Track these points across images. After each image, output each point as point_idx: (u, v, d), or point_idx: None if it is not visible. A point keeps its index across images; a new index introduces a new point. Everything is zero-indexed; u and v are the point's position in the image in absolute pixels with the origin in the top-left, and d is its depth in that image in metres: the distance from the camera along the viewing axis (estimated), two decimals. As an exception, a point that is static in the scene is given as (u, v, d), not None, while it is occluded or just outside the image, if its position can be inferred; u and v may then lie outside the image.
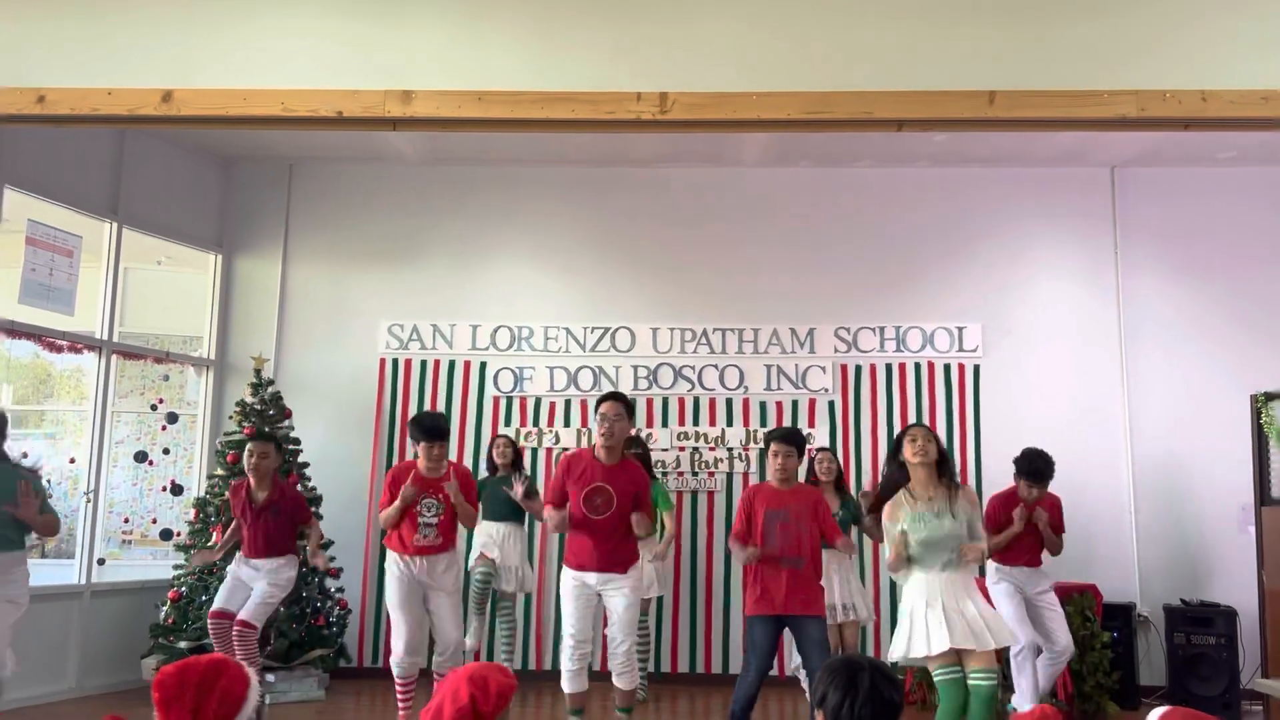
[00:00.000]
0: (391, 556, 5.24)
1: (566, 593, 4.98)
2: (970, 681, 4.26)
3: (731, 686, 5.24)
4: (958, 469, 5.70)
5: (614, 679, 4.94)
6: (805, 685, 5.34)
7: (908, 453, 4.59)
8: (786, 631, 5.19)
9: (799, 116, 4.35)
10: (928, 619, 4.29)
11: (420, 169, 7.64)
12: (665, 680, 6.89)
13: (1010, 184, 7.45)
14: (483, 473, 6.68)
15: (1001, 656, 4.68)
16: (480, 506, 6.12)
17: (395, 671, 5.25)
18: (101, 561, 6.62)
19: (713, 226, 7.50)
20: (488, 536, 6.35)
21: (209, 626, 5.67)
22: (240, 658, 5.53)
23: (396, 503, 5.11)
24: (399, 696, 5.26)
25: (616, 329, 7.40)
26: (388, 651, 7.04)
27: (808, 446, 6.66)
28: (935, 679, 4.31)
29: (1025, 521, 5.42)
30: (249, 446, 5.78)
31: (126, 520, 7.21)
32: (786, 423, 7.23)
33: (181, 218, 7.36)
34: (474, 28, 4.43)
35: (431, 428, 5.21)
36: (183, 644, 6.14)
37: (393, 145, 7.18)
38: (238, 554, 5.79)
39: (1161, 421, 7.07)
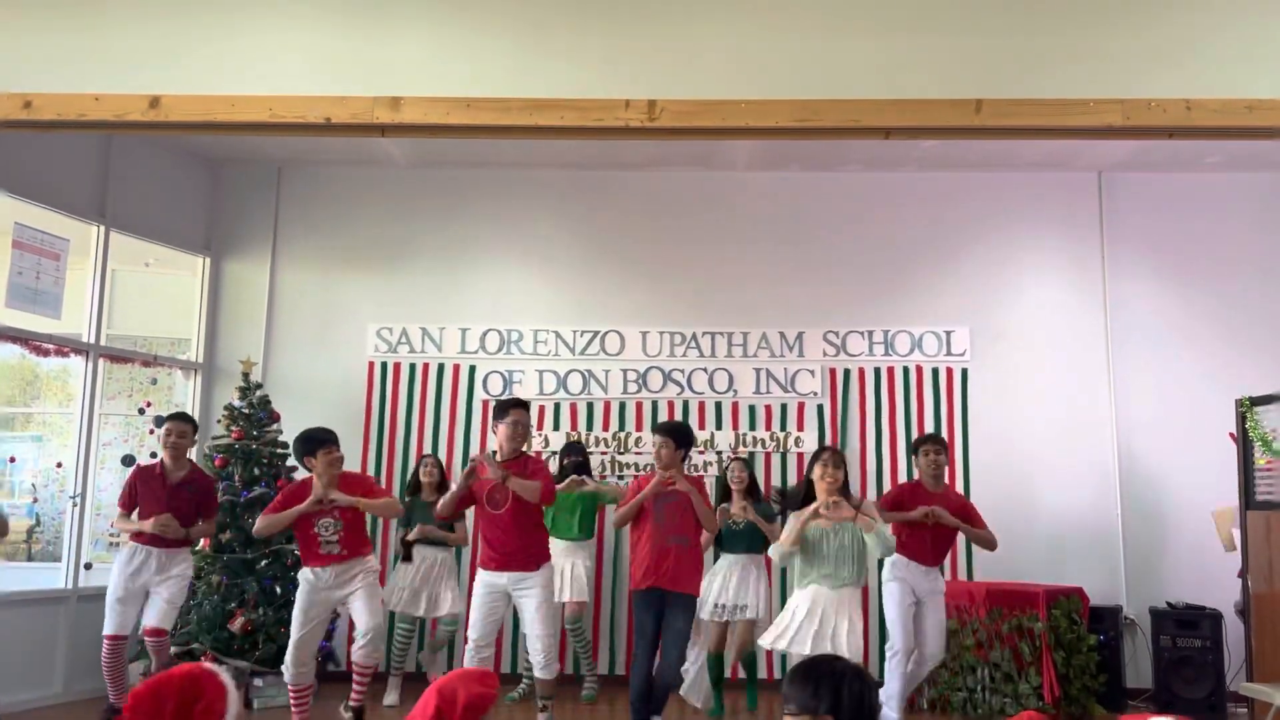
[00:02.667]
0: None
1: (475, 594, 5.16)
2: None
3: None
4: (945, 474, 5.79)
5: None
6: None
7: (816, 474, 4.92)
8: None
9: (787, 124, 4.36)
10: (803, 622, 4.69)
11: (409, 172, 7.63)
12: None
13: (998, 188, 7.48)
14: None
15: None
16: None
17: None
18: (89, 566, 6.59)
19: (702, 230, 7.51)
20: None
21: (104, 651, 5.55)
22: (157, 668, 5.51)
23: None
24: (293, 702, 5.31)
25: (606, 332, 7.41)
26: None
27: (791, 435, 7.16)
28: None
29: (928, 517, 5.47)
30: (166, 425, 5.72)
31: (113, 524, 7.17)
32: (776, 427, 7.26)
33: (169, 220, 7.34)
34: (462, 34, 4.43)
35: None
36: (170, 649, 6.11)
37: (382, 149, 7.18)
38: (118, 569, 5.59)
39: (1148, 425, 7.11)
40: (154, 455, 7.16)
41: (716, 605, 5.94)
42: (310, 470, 5.30)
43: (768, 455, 7.23)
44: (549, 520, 6.35)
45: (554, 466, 6.67)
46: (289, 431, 6.77)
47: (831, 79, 4.40)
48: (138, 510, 5.70)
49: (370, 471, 7.20)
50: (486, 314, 7.46)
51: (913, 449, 6.01)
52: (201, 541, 5.92)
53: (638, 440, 7.19)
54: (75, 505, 6.52)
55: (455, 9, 4.46)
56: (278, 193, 7.67)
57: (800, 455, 7.18)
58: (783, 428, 7.28)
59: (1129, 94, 4.26)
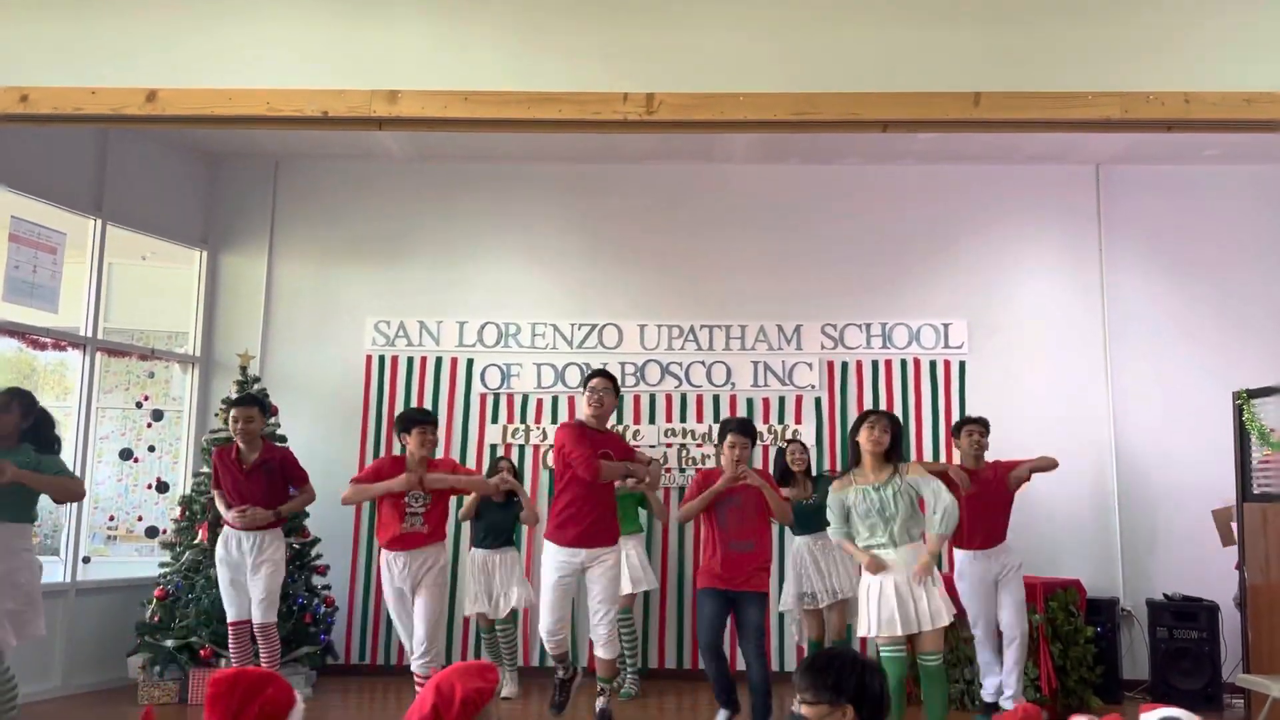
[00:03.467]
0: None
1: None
2: (920, 662, 4.69)
3: (693, 679, 5.32)
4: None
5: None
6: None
7: (862, 437, 4.89)
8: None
9: (786, 117, 4.35)
10: (883, 605, 4.64)
11: (407, 166, 7.62)
12: (653, 676, 6.91)
13: (996, 181, 7.48)
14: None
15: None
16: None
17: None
18: (87, 559, 6.59)
19: (700, 223, 7.51)
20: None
21: (231, 641, 5.67)
22: (266, 657, 5.58)
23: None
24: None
25: (604, 325, 7.41)
26: (375, 648, 7.10)
27: (788, 427, 7.26)
28: (881, 654, 4.69)
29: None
30: (234, 412, 5.69)
31: (112, 518, 7.18)
32: (773, 419, 7.27)
33: (166, 214, 7.33)
34: (460, 28, 4.41)
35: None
36: (169, 642, 6.13)
37: (379, 142, 7.16)
38: (220, 556, 5.65)
39: (1145, 417, 7.12)
40: (151, 449, 7.22)
41: (805, 594, 5.96)
42: (405, 447, 5.31)
43: (765, 448, 7.23)
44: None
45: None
46: (287, 425, 6.80)
47: (830, 72, 4.39)
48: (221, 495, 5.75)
49: (368, 464, 7.18)
50: (484, 307, 7.46)
51: (954, 431, 6.10)
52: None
53: (636, 434, 7.19)
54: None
55: (453, 2, 4.45)
56: (275, 186, 7.65)
57: (782, 442, 7.18)
58: (780, 420, 7.29)
59: (1127, 87, 4.25)
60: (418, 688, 5.15)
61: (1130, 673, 6.75)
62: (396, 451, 5.67)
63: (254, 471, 5.65)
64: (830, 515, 4.93)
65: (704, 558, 5.30)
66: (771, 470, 6.27)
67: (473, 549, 6.35)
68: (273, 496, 5.67)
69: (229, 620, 5.69)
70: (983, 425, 5.93)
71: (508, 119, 4.37)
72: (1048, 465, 5.83)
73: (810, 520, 5.96)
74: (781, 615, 6.71)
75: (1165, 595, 6.61)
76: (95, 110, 4.36)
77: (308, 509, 6.14)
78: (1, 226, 6.22)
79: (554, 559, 5.12)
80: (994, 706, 5.73)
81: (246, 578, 5.62)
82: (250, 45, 4.42)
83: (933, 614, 4.60)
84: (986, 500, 5.71)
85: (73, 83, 4.34)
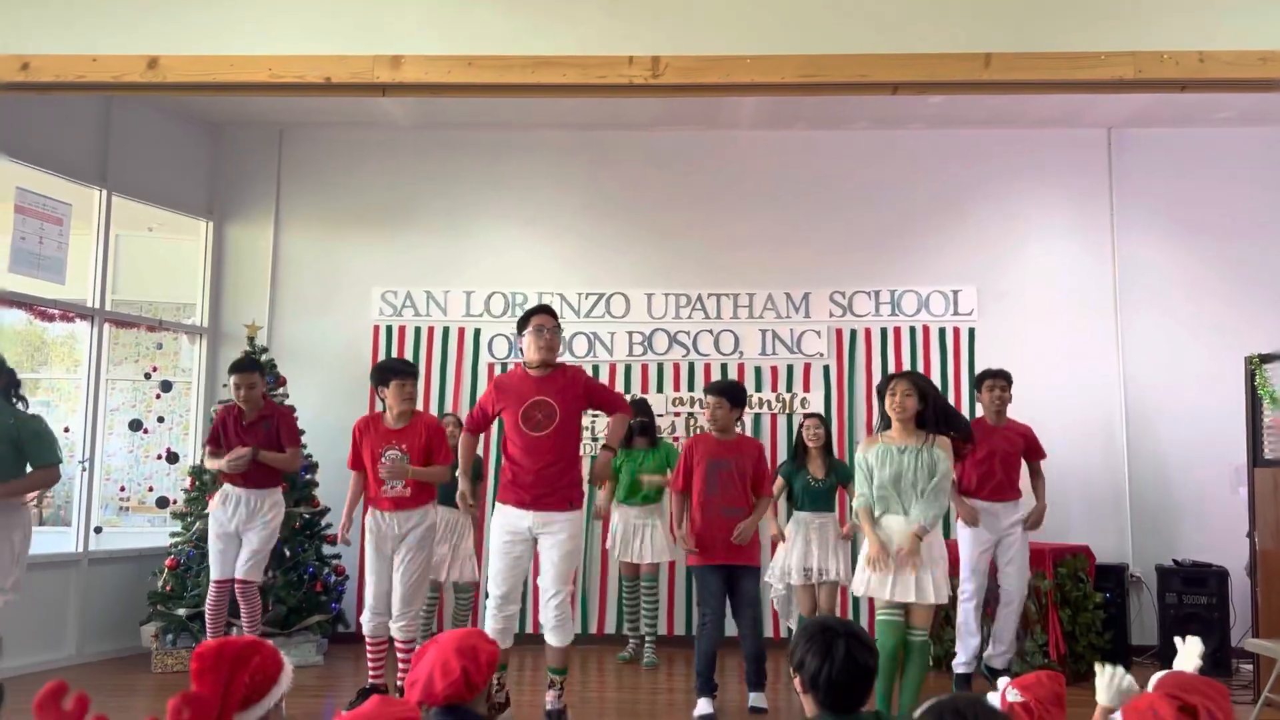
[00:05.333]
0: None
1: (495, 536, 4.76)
2: (908, 637, 4.54)
3: (727, 647, 5.33)
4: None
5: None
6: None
7: (888, 404, 4.70)
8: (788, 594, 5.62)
9: (793, 80, 4.31)
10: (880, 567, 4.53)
11: (412, 133, 7.57)
12: (661, 643, 6.92)
13: (1006, 146, 7.40)
14: None
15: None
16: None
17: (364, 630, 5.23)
18: (99, 529, 6.63)
19: (707, 190, 7.46)
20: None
21: (209, 597, 5.64)
22: (246, 616, 5.59)
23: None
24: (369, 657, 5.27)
25: (611, 294, 7.38)
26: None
27: (797, 396, 7.18)
28: (877, 617, 4.61)
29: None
30: (233, 379, 5.65)
31: (123, 488, 7.22)
32: (782, 388, 7.25)
33: (171, 184, 7.30)
34: (463, -9, 4.37)
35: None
36: (181, 611, 6.18)
37: (384, 110, 7.11)
38: (214, 512, 5.64)
39: (1155, 382, 7.08)
40: (161, 420, 7.25)
41: (803, 569, 5.80)
42: (384, 402, 5.24)
43: (774, 417, 7.23)
44: (625, 486, 6.36)
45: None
46: (295, 395, 6.81)
47: (838, 33, 4.34)
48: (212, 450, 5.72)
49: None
50: (491, 277, 7.43)
51: (975, 384, 6.06)
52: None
53: (642, 401, 7.17)
54: (84, 470, 6.54)
55: (455, -35, 4.40)
56: (280, 155, 7.62)
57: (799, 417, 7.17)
58: (789, 389, 7.27)
59: (1141, 46, 4.19)
60: (400, 653, 5.15)
61: (1139, 638, 6.76)
62: (378, 408, 5.57)
63: (252, 426, 5.65)
64: (856, 481, 4.75)
65: (694, 534, 5.14)
66: (789, 446, 6.28)
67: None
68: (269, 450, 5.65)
69: (212, 578, 5.66)
70: (1005, 379, 5.87)
71: (511, 84, 4.34)
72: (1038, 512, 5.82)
73: (819, 499, 5.91)
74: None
75: (1175, 561, 6.60)
76: (97, 78, 4.34)
77: (312, 480, 6.13)
78: (7, 198, 6.20)
79: (498, 521, 4.75)
80: (966, 679, 5.70)
81: (241, 535, 5.61)
82: (252, 11, 4.39)
83: (921, 589, 4.45)
84: (1002, 455, 5.73)
85: (74, 50, 4.32)
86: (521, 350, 4.83)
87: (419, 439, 5.15)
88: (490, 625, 4.68)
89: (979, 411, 6.02)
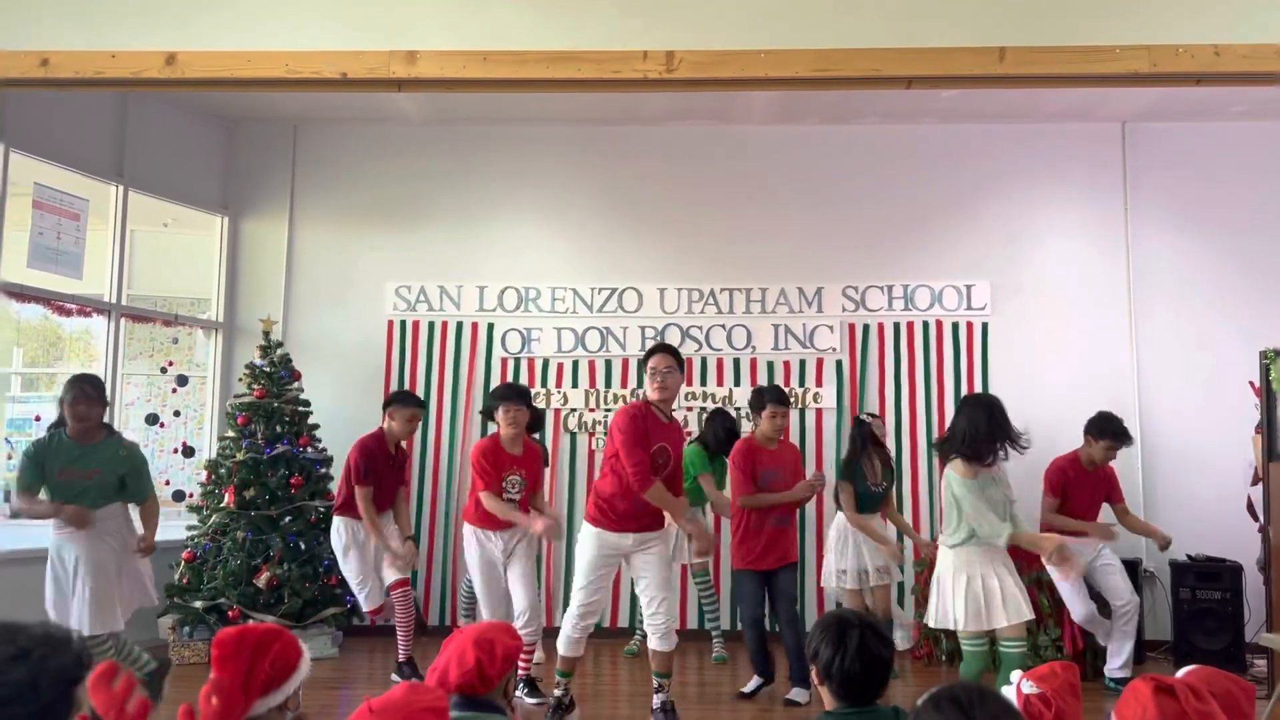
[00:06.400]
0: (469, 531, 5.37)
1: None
2: (1000, 649, 4.42)
3: (738, 643, 5.38)
4: None
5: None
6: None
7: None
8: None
9: (807, 74, 4.32)
10: (954, 590, 4.34)
11: (425, 129, 7.60)
12: (684, 636, 6.91)
13: (1019, 140, 7.39)
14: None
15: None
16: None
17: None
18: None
19: (720, 185, 7.46)
20: None
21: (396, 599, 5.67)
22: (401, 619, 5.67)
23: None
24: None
25: (624, 289, 7.39)
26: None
27: (809, 390, 7.25)
28: (963, 647, 4.43)
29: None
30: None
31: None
32: (795, 383, 7.24)
33: (187, 180, 7.35)
34: (478, -14, 4.39)
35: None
36: (197, 603, 6.22)
37: (397, 105, 7.14)
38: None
39: (1170, 377, 7.07)
40: (177, 414, 7.31)
41: (858, 572, 5.78)
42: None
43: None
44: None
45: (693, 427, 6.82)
46: (310, 390, 6.85)
47: (851, 28, 4.34)
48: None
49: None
50: (504, 271, 7.46)
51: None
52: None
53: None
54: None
55: (470, -39, 4.42)
56: (294, 151, 7.66)
57: (819, 411, 7.19)
58: (801, 383, 7.27)
59: (1156, 40, 4.19)
60: (522, 663, 5.17)
61: (1153, 633, 6.75)
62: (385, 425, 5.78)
63: (400, 466, 5.83)
64: (976, 509, 4.38)
65: (742, 535, 5.30)
66: (801, 441, 6.35)
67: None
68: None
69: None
70: (1127, 442, 5.94)
71: (526, 79, 4.36)
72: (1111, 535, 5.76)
73: (874, 503, 5.88)
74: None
75: (1189, 556, 6.58)
76: (115, 74, 4.38)
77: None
78: (25, 193, 6.25)
79: (593, 538, 4.77)
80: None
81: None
82: (269, 7, 4.42)
83: (1010, 609, 4.29)
84: (1094, 500, 5.90)
85: (93, 46, 4.35)
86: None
87: (535, 465, 5.40)
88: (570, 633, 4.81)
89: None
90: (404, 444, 5.92)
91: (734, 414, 6.55)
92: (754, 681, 5.46)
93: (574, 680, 4.94)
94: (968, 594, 4.32)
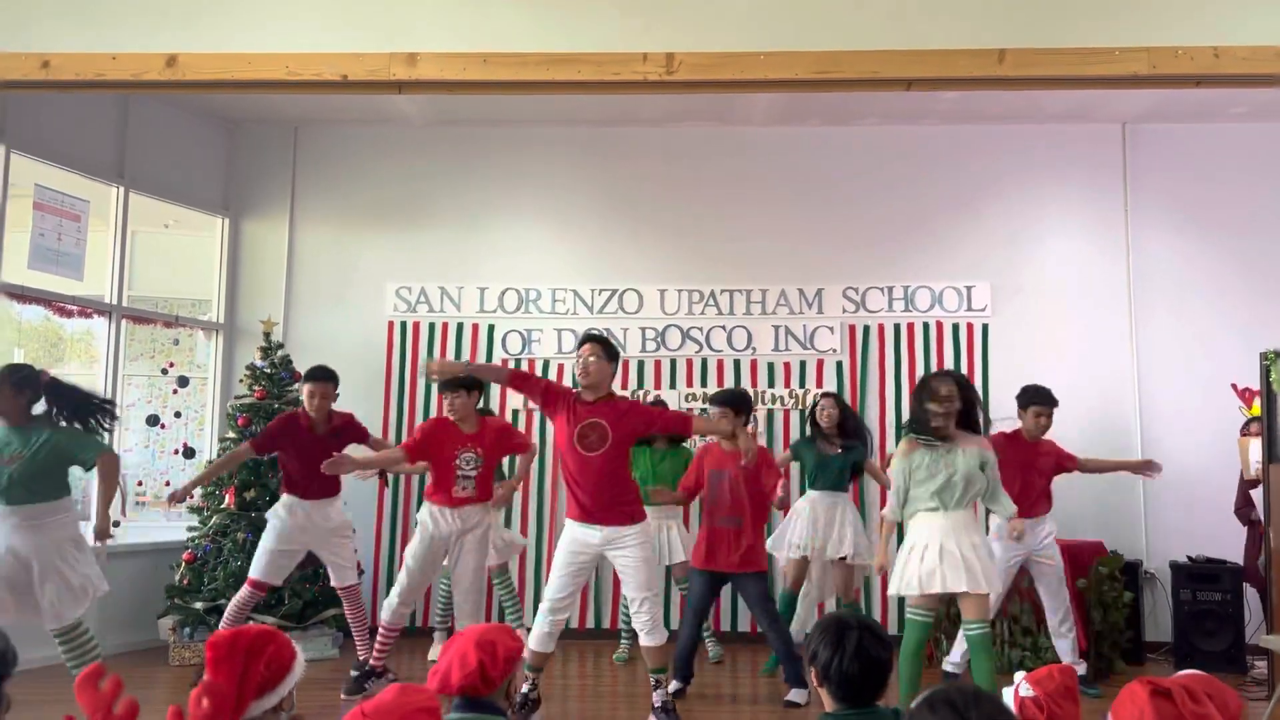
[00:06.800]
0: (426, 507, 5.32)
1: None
2: (963, 632, 4.57)
3: (741, 644, 5.38)
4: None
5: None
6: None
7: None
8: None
9: (807, 76, 4.32)
10: (923, 557, 4.51)
11: (426, 130, 7.61)
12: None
13: (1020, 141, 7.39)
14: None
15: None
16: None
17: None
18: (116, 524, 6.67)
19: (721, 186, 7.47)
20: None
21: (242, 594, 5.49)
22: (353, 617, 5.65)
23: None
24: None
25: (624, 291, 7.40)
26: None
27: (809, 391, 7.18)
28: (906, 615, 4.62)
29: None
30: (308, 388, 5.58)
31: (140, 483, 7.27)
32: (795, 384, 7.25)
33: (188, 181, 7.36)
34: (478, -12, 4.39)
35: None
36: (198, 604, 6.23)
37: (398, 107, 7.14)
38: (280, 509, 5.58)
39: (1170, 378, 7.07)
40: (178, 415, 7.32)
41: (799, 544, 5.90)
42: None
43: (786, 412, 7.24)
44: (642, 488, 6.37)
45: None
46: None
47: (851, 30, 4.35)
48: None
49: (390, 431, 7.25)
50: (505, 273, 7.46)
51: (1021, 403, 5.90)
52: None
53: (657, 399, 7.19)
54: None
55: (470, -37, 4.42)
56: (295, 152, 7.66)
57: (814, 396, 7.18)
58: (801, 384, 7.28)
59: (1155, 42, 4.19)
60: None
61: (1154, 635, 6.75)
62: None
63: (322, 440, 5.56)
64: (894, 487, 4.74)
65: (699, 538, 5.43)
66: (803, 426, 6.38)
67: None
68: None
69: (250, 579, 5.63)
70: (1051, 404, 5.82)
71: (526, 81, 4.37)
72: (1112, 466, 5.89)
73: (827, 475, 6.01)
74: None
75: (1189, 557, 6.59)
76: (116, 76, 4.39)
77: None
78: (26, 194, 6.26)
79: (566, 531, 4.88)
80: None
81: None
82: (269, 9, 4.42)
83: (970, 577, 4.42)
84: (1030, 473, 5.68)
85: (93, 48, 4.36)
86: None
87: (491, 442, 5.34)
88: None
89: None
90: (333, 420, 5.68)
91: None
92: (675, 683, 5.30)
93: (542, 676, 4.93)
94: (909, 559, 4.56)
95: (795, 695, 5.24)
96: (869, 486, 6.94)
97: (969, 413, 4.72)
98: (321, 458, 5.04)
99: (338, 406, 5.82)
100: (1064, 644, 5.63)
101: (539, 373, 7.30)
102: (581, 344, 4.87)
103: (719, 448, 5.42)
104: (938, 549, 4.50)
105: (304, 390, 5.59)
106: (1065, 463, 5.86)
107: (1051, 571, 5.63)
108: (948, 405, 4.59)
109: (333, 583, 5.73)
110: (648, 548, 4.86)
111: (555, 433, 4.94)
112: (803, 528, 5.96)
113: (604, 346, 4.86)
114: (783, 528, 6.09)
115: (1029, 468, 5.71)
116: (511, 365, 7.32)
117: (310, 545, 5.60)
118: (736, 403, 5.38)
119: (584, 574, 4.88)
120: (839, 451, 6.03)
